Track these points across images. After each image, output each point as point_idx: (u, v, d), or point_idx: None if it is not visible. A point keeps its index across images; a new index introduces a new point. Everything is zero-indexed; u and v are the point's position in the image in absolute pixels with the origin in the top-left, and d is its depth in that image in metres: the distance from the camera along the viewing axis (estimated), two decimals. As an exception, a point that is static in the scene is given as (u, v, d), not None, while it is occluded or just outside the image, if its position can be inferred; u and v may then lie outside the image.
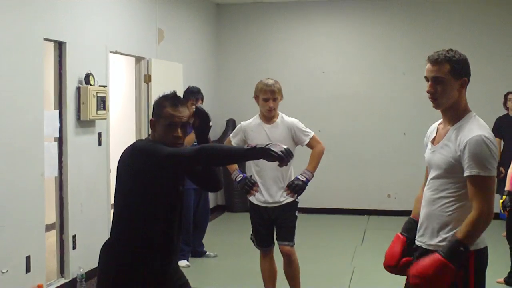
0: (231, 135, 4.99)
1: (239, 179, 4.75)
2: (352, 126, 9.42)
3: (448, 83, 2.77)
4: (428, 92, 2.82)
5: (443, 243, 2.73)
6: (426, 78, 2.83)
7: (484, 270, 2.80)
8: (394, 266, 3.00)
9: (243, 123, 4.93)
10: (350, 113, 9.41)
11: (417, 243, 2.93)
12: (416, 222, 2.98)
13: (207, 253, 6.77)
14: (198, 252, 6.67)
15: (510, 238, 5.53)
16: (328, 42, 9.54)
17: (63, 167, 5.61)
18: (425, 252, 2.81)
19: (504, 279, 5.64)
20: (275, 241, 4.89)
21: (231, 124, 9.60)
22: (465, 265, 2.71)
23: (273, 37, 9.70)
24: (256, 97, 4.76)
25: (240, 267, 6.41)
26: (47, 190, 5.40)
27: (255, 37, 9.75)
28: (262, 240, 4.89)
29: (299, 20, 9.59)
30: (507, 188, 5.41)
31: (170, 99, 3.08)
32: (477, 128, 2.73)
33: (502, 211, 5.43)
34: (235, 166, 4.84)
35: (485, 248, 2.79)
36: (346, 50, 9.51)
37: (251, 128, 4.82)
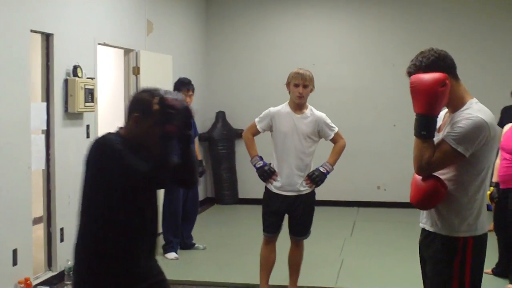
0: (256, 119, 5.00)
1: (259, 165, 4.87)
2: (342, 118, 9.37)
3: None
4: None
5: (443, 227, 2.81)
6: None
7: (482, 256, 2.85)
8: None
9: (271, 108, 4.96)
10: (340, 105, 9.40)
11: (421, 225, 2.99)
12: None
13: (196, 245, 6.76)
14: (187, 244, 6.66)
15: (497, 229, 5.55)
16: (319, 34, 9.52)
17: (51, 159, 5.57)
18: (427, 235, 2.89)
19: (492, 269, 5.66)
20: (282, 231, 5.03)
21: (220, 116, 9.59)
22: (463, 251, 2.75)
23: (263, 29, 9.68)
24: (288, 84, 4.88)
25: (229, 260, 6.41)
26: (34, 183, 5.37)
27: (245, 29, 9.72)
28: (270, 227, 4.96)
29: (289, 12, 9.56)
30: (494, 179, 5.43)
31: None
32: (477, 111, 2.75)
33: (489, 202, 5.45)
34: (256, 150, 4.95)
35: (485, 235, 2.84)
36: (336, 42, 9.50)
37: (280, 115, 4.87)
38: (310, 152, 4.88)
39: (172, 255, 6.39)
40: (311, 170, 4.90)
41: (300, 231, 4.98)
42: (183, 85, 6.55)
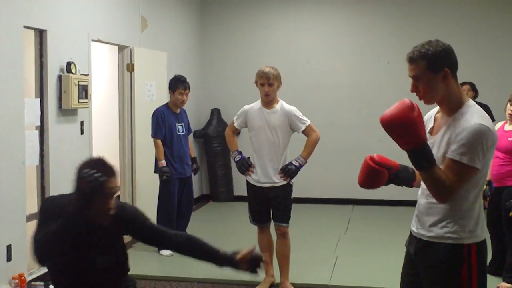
0: (234, 118, 5.37)
1: (237, 159, 5.22)
2: (336, 116, 9.43)
3: (428, 79, 2.69)
4: (411, 92, 2.77)
5: (446, 235, 2.71)
6: (410, 76, 2.77)
7: (486, 261, 2.79)
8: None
9: (245, 106, 5.32)
10: (334, 103, 9.41)
11: (415, 234, 2.87)
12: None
13: (191, 242, 6.74)
14: (181, 241, 6.65)
15: (490, 227, 5.56)
16: (313, 31, 9.51)
17: (45, 156, 5.57)
18: (426, 244, 2.78)
19: (485, 267, 5.66)
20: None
21: (215, 114, 9.58)
22: (468, 258, 2.69)
23: (258, 26, 9.67)
24: (256, 82, 5.15)
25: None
26: (28, 179, 5.36)
27: (240, 26, 9.71)
28: (258, 217, 5.30)
29: (284, 9, 9.55)
30: (487, 177, 5.43)
31: (103, 170, 2.77)
32: (477, 116, 2.65)
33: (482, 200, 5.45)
34: (236, 146, 5.33)
35: (485, 240, 2.76)
36: (330, 39, 9.50)
37: (252, 112, 5.21)
38: (283, 145, 5.14)
39: (166, 251, 6.39)
40: (286, 163, 5.15)
41: (279, 217, 5.22)
42: (179, 82, 6.52)
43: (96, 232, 2.89)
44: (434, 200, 2.71)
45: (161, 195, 6.58)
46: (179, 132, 6.56)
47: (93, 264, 2.93)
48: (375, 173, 2.84)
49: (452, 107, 2.74)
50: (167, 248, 3.13)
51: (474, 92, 7.75)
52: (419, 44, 2.74)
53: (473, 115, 2.65)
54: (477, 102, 7.50)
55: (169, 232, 3.06)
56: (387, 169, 2.86)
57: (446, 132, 2.71)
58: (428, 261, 2.78)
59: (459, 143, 2.60)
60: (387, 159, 2.89)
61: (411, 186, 2.96)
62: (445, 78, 2.69)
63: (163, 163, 6.41)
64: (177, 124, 6.54)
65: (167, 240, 3.03)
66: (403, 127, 2.55)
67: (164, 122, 6.46)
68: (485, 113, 2.72)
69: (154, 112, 6.55)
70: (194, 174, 6.87)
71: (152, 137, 6.48)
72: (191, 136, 7.08)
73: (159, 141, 6.44)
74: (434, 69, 2.68)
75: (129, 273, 3.25)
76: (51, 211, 2.80)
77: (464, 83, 7.76)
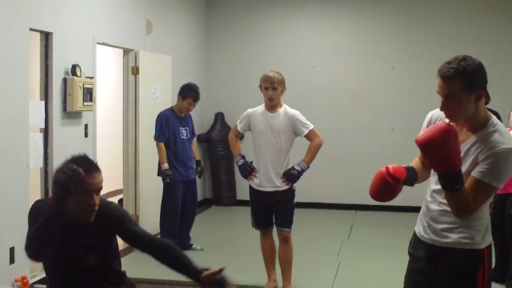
0: (237, 121, 5.39)
1: (240, 163, 5.23)
2: (340, 121, 9.42)
3: (462, 98, 2.57)
4: (441, 110, 2.67)
5: (464, 240, 2.70)
6: (438, 93, 2.63)
7: (491, 264, 2.81)
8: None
9: (249, 110, 5.33)
10: (338, 108, 9.41)
11: (425, 240, 2.84)
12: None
13: (193, 246, 6.75)
14: (184, 245, 6.65)
15: (494, 234, 5.53)
16: (318, 36, 9.52)
17: (49, 158, 5.57)
18: (441, 250, 2.77)
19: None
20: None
21: (219, 118, 9.58)
22: (483, 262, 2.71)
23: (263, 31, 9.68)
24: (260, 86, 5.16)
25: (226, 261, 6.36)
26: (32, 181, 5.37)
27: (244, 30, 9.72)
28: (260, 222, 5.30)
29: (289, 14, 9.56)
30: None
31: (82, 165, 2.78)
32: (507, 139, 2.61)
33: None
34: (239, 150, 5.33)
35: (491, 244, 2.79)
36: (335, 44, 9.50)
37: (256, 115, 5.22)
38: (286, 149, 5.13)
39: None
40: (289, 167, 5.15)
41: (281, 222, 5.21)
42: (192, 92, 6.51)
43: (82, 230, 2.90)
44: (447, 208, 2.70)
45: (164, 198, 6.58)
46: (183, 136, 6.57)
47: (82, 263, 2.95)
48: (391, 188, 2.75)
49: (476, 126, 2.67)
50: (145, 252, 3.10)
51: (486, 98, 7.70)
52: (452, 60, 2.60)
53: (504, 138, 2.62)
54: (488, 109, 7.46)
55: (148, 236, 3.03)
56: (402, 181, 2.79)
57: (471, 149, 2.66)
58: (445, 267, 2.77)
59: (489, 167, 2.59)
60: (402, 170, 2.77)
61: (413, 185, 2.93)
62: (477, 99, 2.61)
63: (165, 166, 6.42)
64: (181, 128, 6.55)
65: (144, 244, 3.01)
66: (444, 153, 2.51)
67: (168, 125, 6.47)
68: (508, 131, 2.69)
69: (158, 115, 6.56)
70: (199, 177, 6.88)
71: (155, 140, 6.50)
72: (194, 140, 7.09)
73: (161, 144, 6.45)
74: (469, 89, 2.57)
75: (130, 276, 3.25)
76: (38, 211, 2.81)
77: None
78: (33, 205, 2.94)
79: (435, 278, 2.81)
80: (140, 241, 3.03)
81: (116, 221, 3.01)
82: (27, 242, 2.72)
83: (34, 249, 2.71)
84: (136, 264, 5.11)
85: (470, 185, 2.61)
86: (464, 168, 2.63)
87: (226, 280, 2.93)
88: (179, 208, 6.58)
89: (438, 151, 2.51)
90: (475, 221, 2.70)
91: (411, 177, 2.85)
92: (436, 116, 2.87)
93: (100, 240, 3.00)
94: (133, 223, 3.07)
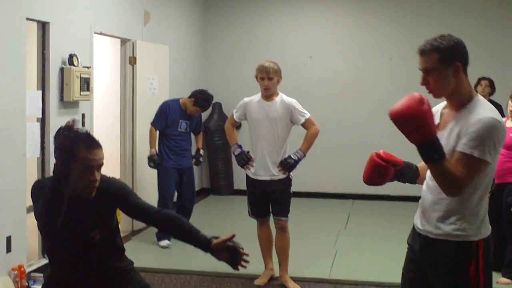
0: (234, 110, 5.40)
1: (237, 153, 5.23)
2: (338, 111, 9.43)
3: (439, 72, 2.66)
4: (421, 85, 2.73)
5: (455, 232, 2.69)
6: (420, 69, 2.73)
7: (491, 257, 2.77)
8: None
9: (245, 99, 5.34)
10: (336, 98, 9.41)
11: (420, 231, 2.84)
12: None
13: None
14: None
15: (491, 223, 5.55)
16: (316, 27, 9.51)
17: (45, 147, 5.58)
18: (434, 241, 2.76)
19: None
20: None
21: (217, 107, 9.59)
22: (476, 255, 2.68)
23: (261, 21, 9.66)
24: (256, 76, 5.17)
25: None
26: (29, 171, 5.37)
27: (242, 20, 9.71)
28: (257, 211, 5.31)
29: (287, 4, 9.55)
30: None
31: (84, 141, 2.80)
32: (488, 110, 2.63)
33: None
34: (235, 139, 5.34)
35: (490, 235, 2.75)
36: (334, 35, 9.49)
37: (252, 104, 5.23)
38: (283, 138, 5.14)
39: (164, 242, 6.47)
40: (285, 156, 5.16)
41: (278, 211, 5.22)
42: (206, 102, 6.49)
43: (84, 206, 2.92)
44: (441, 196, 2.69)
45: (158, 185, 6.64)
46: (181, 128, 6.60)
47: (87, 239, 2.96)
48: (381, 170, 2.82)
49: (461, 102, 2.71)
50: (151, 225, 3.13)
51: (492, 89, 7.68)
52: (431, 38, 2.71)
53: (485, 109, 2.64)
54: (490, 100, 7.42)
55: (154, 209, 3.07)
56: (393, 165, 2.84)
57: (455, 126, 2.68)
58: (436, 259, 2.76)
59: (470, 136, 2.58)
60: (392, 156, 2.87)
61: (415, 183, 2.94)
62: (456, 72, 2.67)
63: (152, 151, 6.51)
64: (181, 121, 6.57)
65: (151, 216, 3.03)
66: (414, 121, 2.52)
67: (167, 116, 6.50)
68: (495, 108, 2.70)
69: (162, 103, 6.65)
70: (196, 164, 6.89)
71: (151, 124, 6.59)
72: (201, 134, 7.11)
73: (153, 129, 6.54)
74: (445, 62, 2.65)
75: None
76: (41, 188, 2.81)
77: (483, 78, 7.72)
78: (34, 185, 2.92)
79: (428, 270, 2.80)
80: (146, 214, 3.06)
81: (120, 195, 3.04)
82: (39, 213, 2.72)
83: (46, 217, 2.69)
84: (131, 253, 5.12)
85: (455, 159, 2.61)
86: (450, 146, 2.65)
87: (238, 246, 2.94)
88: (172, 195, 6.65)
89: (410, 121, 2.53)
90: (467, 210, 2.68)
91: (411, 172, 2.89)
92: (435, 110, 2.88)
93: (104, 215, 3.03)
94: (137, 197, 3.11)
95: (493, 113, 2.63)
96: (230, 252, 2.93)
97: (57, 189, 2.64)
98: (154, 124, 6.54)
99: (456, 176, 2.57)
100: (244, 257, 2.95)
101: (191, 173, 6.78)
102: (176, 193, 6.75)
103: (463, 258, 2.70)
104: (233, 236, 2.93)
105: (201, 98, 6.48)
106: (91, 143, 2.84)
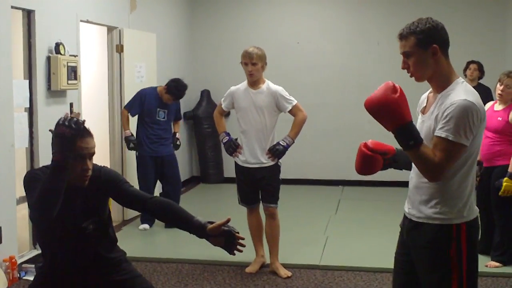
0: (222, 99, 5.40)
1: (225, 140, 5.25)
2: (326, 97, 9.42)
3: (418, 55, 2.69)
4: (402, 68, 2.77)
5: (434, 215, 2.71)
6: (401, 54, 2.77)
7: (476, 240, 2.78)
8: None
9: (232, 87, 5.33)
10: (324, 84, 9.40)
11: (406, 214, 2.88)
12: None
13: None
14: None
15: (479, 207, 5.58)
16: (303, 12, 9.47)
17: (34, 137, 5.54)
18: (416, 224, 2.79)
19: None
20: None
21: (205, 95, 9.55)
22: (457, 238, 2.69)
23: (248, 7, 9.62)
24: (241, 62, 5.14)
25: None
26: (18, 161, 5.33)
27: (229, 7, 9.65)
28: (247, 198, 5.32)
29: (274, -11, 9.51)
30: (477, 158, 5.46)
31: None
32: (464, 93, 2.64)
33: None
34: (224, 127, 5.35)
35: (476, 218, 2.76)
36: (320, 20, 9.46)
37: (239, 93, 5.21)
38: (270, 125, 5.15)
39: (142, 226, 6.69)
40: (274, 143, 5.16)
41: (267, 198, 5.24)
42: (176, 90, 6.53)
43: (77, 196, 2.91)
44: (422, 180, 2.72)
45: (138, 174, 6.68)
46: (159, 117, 6.61)
47: (81, 229, 2.96)
48: (369, 160, 2.87)
49: (441, 85, 2.74)
50: (144, 212, 3.12)
51: (481, 72, 7.68)
52: (410, 22, 2.76)
53: (460, 92, 2.65)
54: (479, 84, 7.42)
55: (147, 196, 3.05)
56: (382, 154, 2.88)
57: (434, 110, 2.71)
58: (417, 242, 2.79)
59: (444, 120, 2.61)
60: (381, 145, 2.90)
61: (410, 169, 2.94)
62: (434, 54, 2.69)
63: (127, 132, 6.61)
64: (158, 109, 6.59)
65: (144, 203, 3.01)
66: (385, 109, 2.58)
67: (143, 104, 6.57)
68: (473, 89, 2.72)
69: (139, 91, 6.71)
70: (174, 148, 6.88)
71: (124, 108, 6.68)
72: (180, 121, 7.15)
73: (125, 111, 6.65)
74: (423, 45, 2.69)
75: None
76: (35, 178, 2.82)
77: (472, 62, 7.72)
78: (26, 175, 2.92)
79: (413, 252, 2.84)
80: (139, 201, 3.04)
81: (112, 183, 3.04)
82: (35, 202, 2.69)
83: (43, 206, 2.67)
84: (122, 242, 5.10)
85: (433, 144, 2.64)
86: (431, 130, 2.69)
87: (233, 231, 2.93)
88: (152, 182, 6.69)
89: (382, 109, 2.59)
90: (448, 194, 2.69)
91: (404, 159, 2.90)
92: (421, 100, 2.94)
93: (97, 204, 3.03)
94: (129, 185, 3.10)
95: (469, 95, 2.64)
96: (225, 237, 2.91)
97: (56, 178, 2.65)
98: (127, 107, 6.66)
99: (434, 161, 2.59)
100: (240, 241, 2.94)
101: (173, 161, 6.78)
102: (161, 184, 6.83)
103: (442, 241, 2.72)
104: (229, 220, 2.91)
105: (173, 86, 6.51)
106: (83, 132, 2.83)
